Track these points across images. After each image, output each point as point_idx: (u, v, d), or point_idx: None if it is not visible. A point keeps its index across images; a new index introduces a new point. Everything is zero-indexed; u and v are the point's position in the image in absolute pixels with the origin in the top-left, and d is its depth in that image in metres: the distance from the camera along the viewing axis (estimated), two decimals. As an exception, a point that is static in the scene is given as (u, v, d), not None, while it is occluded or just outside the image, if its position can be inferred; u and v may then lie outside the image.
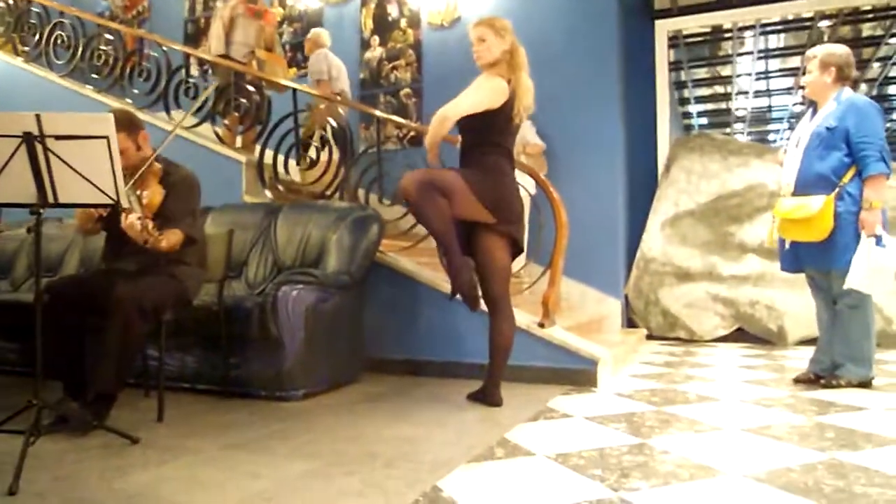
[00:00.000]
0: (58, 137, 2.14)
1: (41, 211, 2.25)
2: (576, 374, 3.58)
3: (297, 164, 4.84)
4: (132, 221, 2.52)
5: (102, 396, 2.64)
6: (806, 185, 3.41)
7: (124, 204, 2.33)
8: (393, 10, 6.72)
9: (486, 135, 3.03)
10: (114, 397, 2.67)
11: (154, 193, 2.77)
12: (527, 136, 5.46)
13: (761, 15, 6.53)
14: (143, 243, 2.61)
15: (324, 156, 4.90)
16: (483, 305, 3.11)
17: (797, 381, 3.60)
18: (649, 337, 5.80)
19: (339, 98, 5.63)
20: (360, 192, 4.82)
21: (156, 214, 2.74)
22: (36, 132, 2.11)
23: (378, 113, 5.26)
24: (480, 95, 2.98)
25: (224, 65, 5.38)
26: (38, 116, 2.11)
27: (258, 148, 5.00)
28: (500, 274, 3.09)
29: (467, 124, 3.01)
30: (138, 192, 2.71)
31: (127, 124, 2.79)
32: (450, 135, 3.12)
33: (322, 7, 7.04)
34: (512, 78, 3.02)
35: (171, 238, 2.75)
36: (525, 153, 5.46)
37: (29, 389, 2.26)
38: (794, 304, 5.36)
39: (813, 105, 3.61)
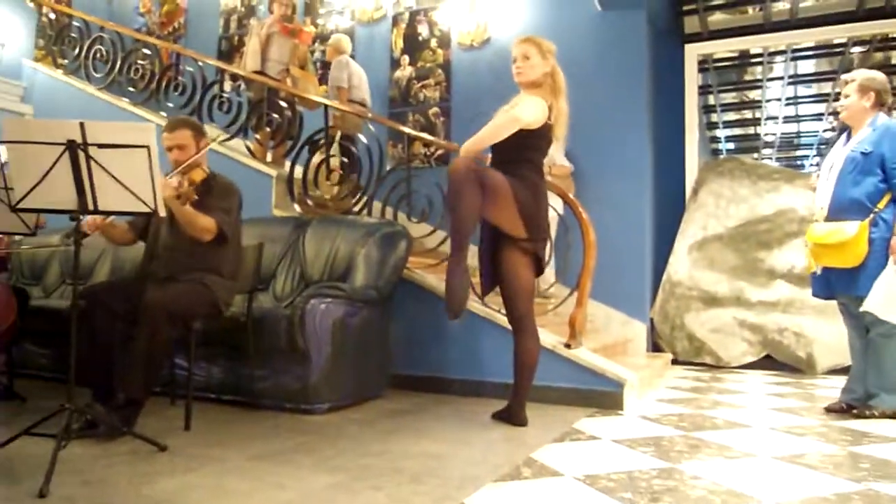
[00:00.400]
0: (100, 146, 2.18)
1: (81, 217, 2.30)
2: (601, 396, 3.54)
3: (327, 178, 4.87)
4: (171, 180, 2.71)
5: (130, 402, 2.67)
6: (840, 210, 3.37)
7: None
8: (423, 31, 6.79)
9: (520, 152, 3.03)
10: (141, 404, 2.70)
11: (197, 173, 2.98)
12: (554, 157, 5.44)
13: (793, 40, 6.47)
14: (175, 197, 2.72)
15: (334, 162, 4.95)
16: (465, 317, 3.08)
17: (829, 410, 3.52)
18: (675, 362, 5.72)
19: (363, 109, 5.66)
20: (388, 210, 4.83)
21: (192, 204, 2.86)
22: (79, 140, 2.16)
23: (407, 130, 5.29)
24: (533, 110, 2.96)
25: (258, 80, 5.46)
26: (81, 125, 2.16)
27: (288, 163, 5.06)
28: (525, 292, 3.07)
29: (502, 141, 2.99)
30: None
31: (196, 126, 3.16)
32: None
33: (353, 26, 7.14)
34: (553, 103, 3.03)
35: (203, 220, 2.87)
36: (551, 174, 5.45)
37: (59, 395, 2.29)
38: (823, 332, 5.27)
39: (846, 130, 3.57)
